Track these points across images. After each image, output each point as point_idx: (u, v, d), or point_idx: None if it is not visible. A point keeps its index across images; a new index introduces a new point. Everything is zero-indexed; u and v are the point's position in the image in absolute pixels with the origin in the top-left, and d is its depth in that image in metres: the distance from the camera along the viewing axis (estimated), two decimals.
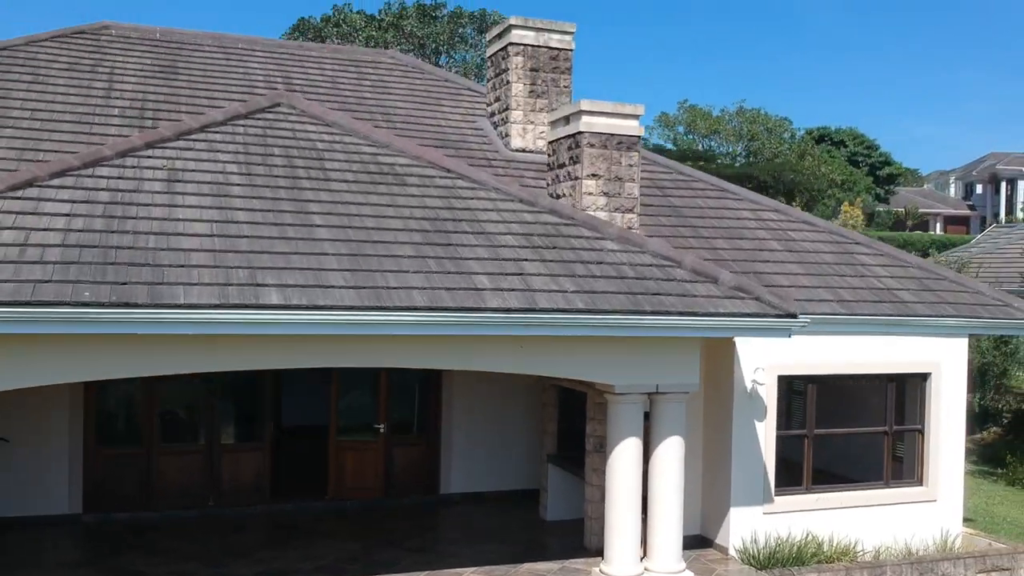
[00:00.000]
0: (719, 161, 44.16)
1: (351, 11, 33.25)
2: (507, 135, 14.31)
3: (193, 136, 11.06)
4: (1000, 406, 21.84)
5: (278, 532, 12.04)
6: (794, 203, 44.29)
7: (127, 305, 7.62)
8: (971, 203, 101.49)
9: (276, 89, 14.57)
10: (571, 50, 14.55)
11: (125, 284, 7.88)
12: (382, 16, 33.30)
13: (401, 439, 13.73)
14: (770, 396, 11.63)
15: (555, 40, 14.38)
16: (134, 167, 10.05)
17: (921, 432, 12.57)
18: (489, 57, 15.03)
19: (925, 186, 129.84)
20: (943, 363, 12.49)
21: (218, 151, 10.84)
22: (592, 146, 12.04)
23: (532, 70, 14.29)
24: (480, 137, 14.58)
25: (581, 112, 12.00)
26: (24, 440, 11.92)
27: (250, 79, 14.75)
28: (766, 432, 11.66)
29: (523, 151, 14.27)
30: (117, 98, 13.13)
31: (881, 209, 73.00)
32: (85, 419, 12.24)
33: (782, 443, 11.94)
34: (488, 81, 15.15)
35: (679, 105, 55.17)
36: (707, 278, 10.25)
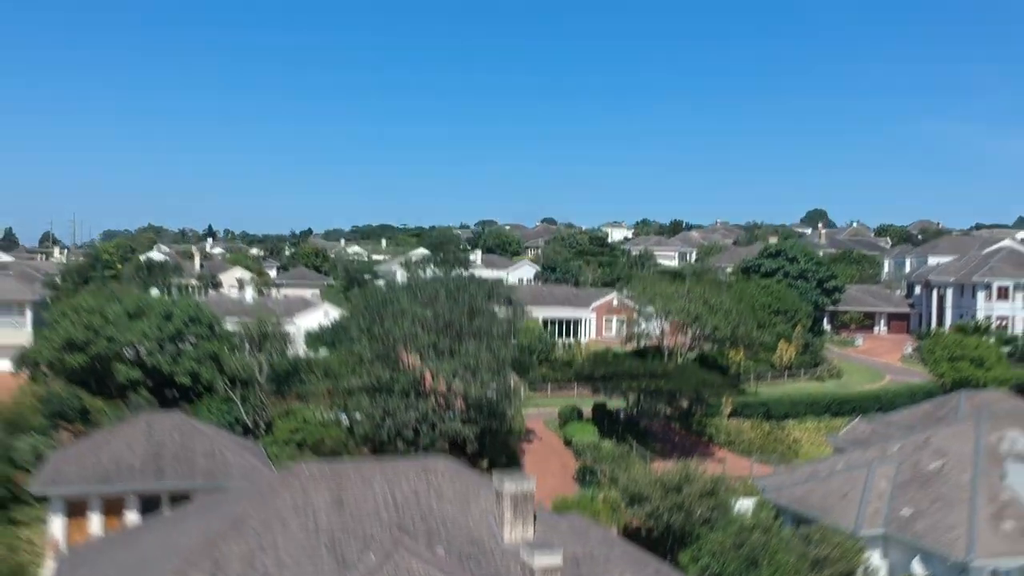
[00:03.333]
0: (668, 373, 58.63)
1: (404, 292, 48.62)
2: (502, 533, 29.62)
3: None
4: None
5: None
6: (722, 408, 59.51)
7: None
8: (912, 301, 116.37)
9: (392, 510, 29.86)
10: (533, 492, 29.89)
11: None
12: (422, 297, 48.63)
13: None
14: None
15: (525, 487, 29.69)
16: None
17: None
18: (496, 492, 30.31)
19: (885, 268, 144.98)
20: None
21: None
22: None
23: (514, 505, 29.59)
24: (489, 534, 29.85)
25: (534, 557, 27.32)
26: None
27: (377, 502, 30.02)
28: None
29: (512, 543, 29.51)
30: (321, 541, 28.42)
31: (814, 339, 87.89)
32: None
33: None
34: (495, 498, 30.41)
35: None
36: None
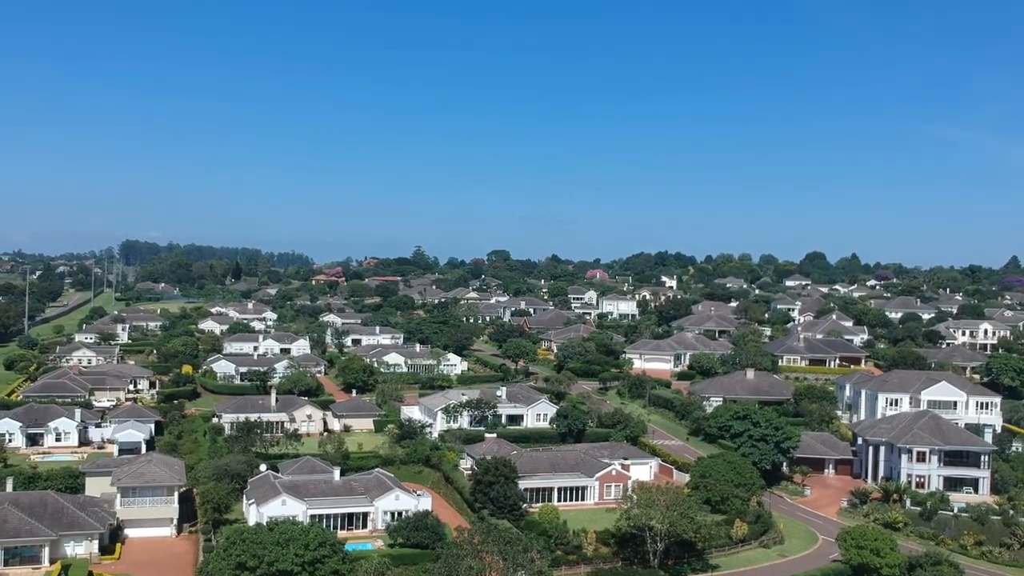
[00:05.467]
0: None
1: None
2: None
3: None
4: None
5: None
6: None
7: None
8: (855, 449, 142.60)
9: None
10: None
11: None
12: (484, 552, 74.99)
13: None
14: None
15: None
16: None
17: None
18: None
19: (846, 392, 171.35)
20: None
21: None
22: None
23: None
24: None
25: None
26: None
27: None
28: None
29: None
30: None
31: (763, 511, 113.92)
32: None
33: None
34: None
35: None
36: None
